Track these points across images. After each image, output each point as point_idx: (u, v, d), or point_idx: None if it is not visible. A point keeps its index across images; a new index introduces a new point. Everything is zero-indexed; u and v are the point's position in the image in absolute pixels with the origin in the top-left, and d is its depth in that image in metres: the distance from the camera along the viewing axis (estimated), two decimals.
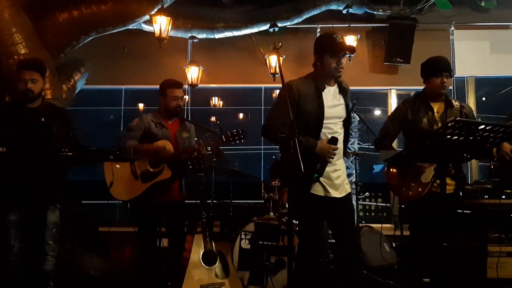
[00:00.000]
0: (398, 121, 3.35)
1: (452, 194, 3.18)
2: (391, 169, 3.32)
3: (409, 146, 3.36)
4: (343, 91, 2.88)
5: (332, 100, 2.82)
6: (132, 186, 3.46)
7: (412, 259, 3.33)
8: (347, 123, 2.91)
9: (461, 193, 3.29)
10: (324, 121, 2.76)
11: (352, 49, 2.86)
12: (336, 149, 2.72)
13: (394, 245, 4.45)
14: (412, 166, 3.16)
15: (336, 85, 2.87)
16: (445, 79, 3.19)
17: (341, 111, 2.86)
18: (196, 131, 3.81)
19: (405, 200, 3.37)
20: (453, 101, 3.30)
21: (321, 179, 2.73)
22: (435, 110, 3.26)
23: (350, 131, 3.02)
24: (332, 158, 2.72)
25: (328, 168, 2.75)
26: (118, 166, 3.49)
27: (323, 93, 2.78)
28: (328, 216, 2.84)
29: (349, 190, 2.87)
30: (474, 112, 3.58)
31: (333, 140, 2.72)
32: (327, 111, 2.77)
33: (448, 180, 3.15)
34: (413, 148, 2.47)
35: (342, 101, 2.87)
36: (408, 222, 3.42)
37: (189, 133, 3.70)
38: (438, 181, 2.96)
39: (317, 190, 2.75)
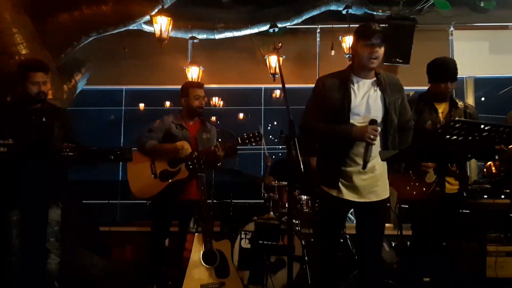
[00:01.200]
0: None
1: (456, 194, 3.19)
2: None
3: (410, 145, 3.36)
4: (380, 84, 2.63)
5: (364, 94, 2.62)
6: (151, 185, 3.53)
7: (412, 259, 3.33)
8: (386, 120, 2.62)
9: (464, 193, 3.30)
10: (351, 115, 2.58)
11: (383, 33, 2.56)
12: (377, 129, 2.49)
13: (394, 245, 4.45)
14: (416, 166, 3.14)
15: (374, 78, 2.66)
16: (449, 85, 3.18)
17: (373, 105, 2.61)
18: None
19: (409, 200, 3.35)
20: (457, 101, 3.29)
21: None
22: (439, 111, 3.25)
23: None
24: (373, 140, 2.46)
25: (351, 169, 2.58)
26: (138, 166, 3.55)
27: (353, 86, 2.62)
28: (356, 219, 2.76)
29: (376, 198, 2.63)
30: None
31: (372, 122, 2.50)
32: (355, 104, 2.58)
33: (452, 180, 3.16)
34: (414, 148, 2.47)
35: (377, 95, 2.62)
36: (410, 221, 3.42)
37: (209, 134, 3.73)
38: None
39: (330, 190, 2.63)
